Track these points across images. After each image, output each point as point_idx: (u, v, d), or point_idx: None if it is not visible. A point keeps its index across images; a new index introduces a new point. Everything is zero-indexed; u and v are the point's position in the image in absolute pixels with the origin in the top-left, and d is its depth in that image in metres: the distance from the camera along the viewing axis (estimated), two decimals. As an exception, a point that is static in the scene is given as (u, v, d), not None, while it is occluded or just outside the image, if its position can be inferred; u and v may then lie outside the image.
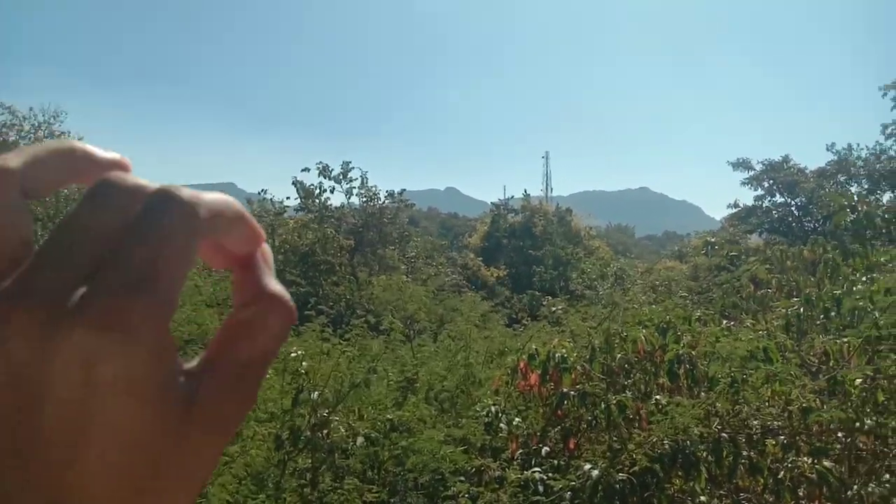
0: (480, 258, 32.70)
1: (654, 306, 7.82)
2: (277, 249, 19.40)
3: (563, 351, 5.81)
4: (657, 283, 16.52)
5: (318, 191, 23.48)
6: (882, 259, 8.08)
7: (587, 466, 4.42)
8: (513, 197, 38.99)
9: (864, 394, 5.06)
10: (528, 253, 32.80)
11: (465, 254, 34.70)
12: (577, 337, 7.04)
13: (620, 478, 4.23)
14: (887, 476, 4.79)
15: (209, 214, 0.32)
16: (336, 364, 5.58)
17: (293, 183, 23.52)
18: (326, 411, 5.46)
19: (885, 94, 28.77)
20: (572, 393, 5.33)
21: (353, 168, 24.11)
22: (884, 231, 11.14)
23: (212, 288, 8.77)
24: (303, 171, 23.61)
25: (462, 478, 4.81)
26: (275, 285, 0.35)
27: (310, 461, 5.34)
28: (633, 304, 9.43)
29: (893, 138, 29.13)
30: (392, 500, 5.14)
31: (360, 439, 5.33)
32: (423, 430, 5.27)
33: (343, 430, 5.40)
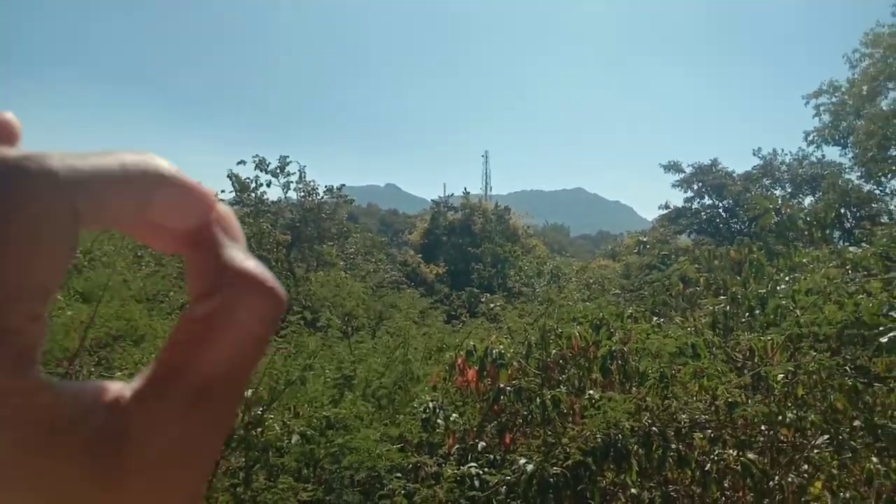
0: (420, 255, 32.73)
1: (588, 304, 7.99)
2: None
3: (501, 347, 5.88)
4: (591, 281, 16.86)
5: (253, 184, 23.01)
6: (804, 260, 8.49)
7: (522, 461, 4.49)
8: (453, 195, 39.18)
9: (786, 389, 5.30)
10: (467, 250, 33.01)
11: (404, 251, 34.66)
12: (514, 333, 7.14)
13: (554, 472, 4.31)
14: (805, 466, 5.04)
15: (95, 180, 0.23)
16: (271, 361, 5.48)
17: (228, 176, 22.98)
18: (261, 409, 5.36)
19: (807, 103, 30.21)
20: (508, 388, 5.40)
21: (291, 162, 23.72)
22: (805, 233, 11.70)
23: (141, 282, 8.47)
24: (238, 164, 23.09)
25: (399, 474, 4.81)
26: (244, 261, 0.27)
27: (243, 460, 5.23)
28: (569, 302, 9.60)
29: (815, 145, 30.62)
30: (328, 498, 5.09)
31: (295, 437, 5.25)
32: (360, 428, 5.23)
33: (278, 428, 5.31)
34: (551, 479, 4.29)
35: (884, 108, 27.13)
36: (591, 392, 4.93)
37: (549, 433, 4.99)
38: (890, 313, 5.99)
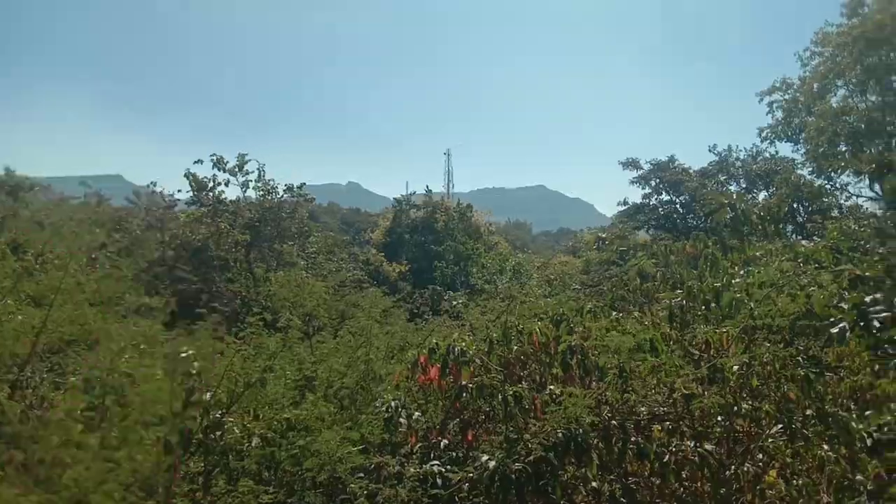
0: (382, 254, 32.58)
1: (549, 299, 8.06)
2: (168, 244, 18.54)
3: (463, 344, 5.88)
4: (552, 277, 17.02)
5: (211, 184, 22.61)
6: (757, 253, 8.69)
7: (484, 458, 4.50)
8: (415, 193, 39.08)
9: (741, 380, 5.42)
10: (429, 248, 32.98)
11: (366, 249, 34.48)
12: (476, 330, 7.15)
13: (516, 467, 4.33)
14: (760, 456, 5.16)
15: None
16: (230, 363, 5.39)
17: (185, 175, 22.53)
18: (220, 412, 5.27)
19: (761, 100, 30.97)
20: (471, 385, 5.41)
21: (250, 160, 23.37)
22: (759, 227, 11.97)
23: (95, 284, 8.21)
24: (195, 163, 22.65)
25: (361, 474, 4.78)
26: None
27: (202, 464, 5.14)
28: (530, 298, 9.67)
29: (768, 141, 31.42)
30: (289, 501, 5.03)
31: (255, 440, 5.18)
32: (321, 429, 5.19)
33: (237, 432, 5.23)
34: (513, 475, 4.31)
35: (833, 104, 27.97)
36: (551, 387, 4.97)
37: (511, 429, 5.02)
38: (840, 305, 6.16)
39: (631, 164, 34.28)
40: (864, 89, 27.41)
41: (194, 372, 5.36)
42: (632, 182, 34.14)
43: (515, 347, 6.13)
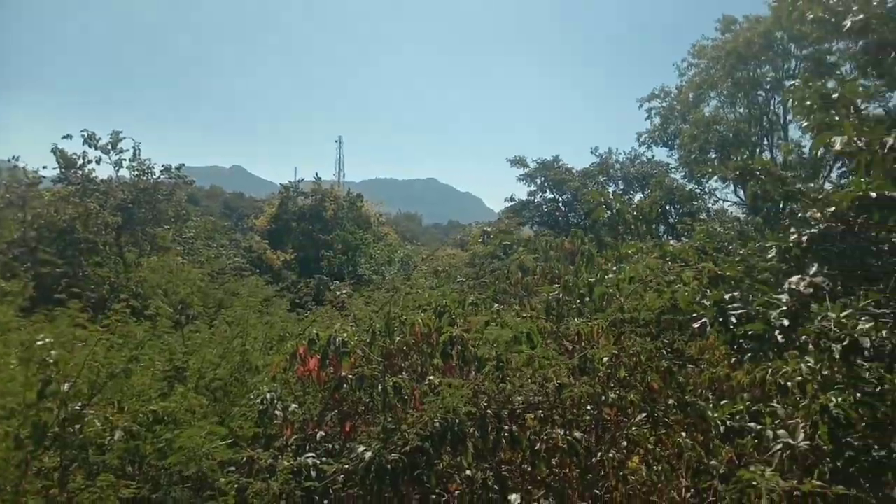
0: (267, 241, 31.64)
1: (434, 291, 8.13)
2: (30, 224, 17.12)
3: (344, 335, 5.82)
4: (439, 268, 17.18)
5: (81, 161, 21.09)
6: (630, 251, 9.16)
7: (361, 448, 4.47)
8: (303, 179, 38.13)
9: (610, 370, 5.69)
10: (317, 237, 32.35)
11: (250, 236, 33.33)
12: (359, 321, 7.09)
13: (393, 458, 4.33)
14: (625, 443, 5.45)
15: None
16: (91, 352, 5.05)
17: (52, 151, 20.89)
18: (79, 404, 4.92)
19: (640, 106, 32.67)
20: (351, 377, 5.36)
21: (125, 138, 21.98)
22: (633, 227, 12.62)
23: None
24: (64, 138, 21.05)
25: (233, 468, 4.62)
26: None
27: (58, 460, 4.78)
28: (416, 290, 9.72)
29: (646, 146, 33.21)
30: (153, 496, 4.78)
31: (118, 433, 4.88)
32: (191, 422, 4.96)
33: (99, 424, 4.91)
34: (389, 466, 4.31)
35: (706, 114, 29.96)
36: (430, 378, 5.01)
37: (390, 420, 5.02)
38: (702, 301, 6.61)
39: (518, 161, 35.13)
40: (733, 101, 29.55)
41: (51, 361, 4.99)
42: (519, 179, 35.02)
43: (398, 338, 6.13)
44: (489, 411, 4.73)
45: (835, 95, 7.04)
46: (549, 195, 34.65)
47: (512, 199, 35.07)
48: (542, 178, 34.46)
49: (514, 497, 4.54)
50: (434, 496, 4.72)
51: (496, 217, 38.81)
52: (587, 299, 7.39)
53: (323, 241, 31.74)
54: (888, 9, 6.60)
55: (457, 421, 4.43)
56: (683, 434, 5.37)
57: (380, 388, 5.10)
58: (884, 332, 6.03)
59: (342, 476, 4.50)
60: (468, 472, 4.59)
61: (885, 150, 6.53)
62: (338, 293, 8.95)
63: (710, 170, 24.63)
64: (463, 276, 13.57)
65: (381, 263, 26.24)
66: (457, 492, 4.70)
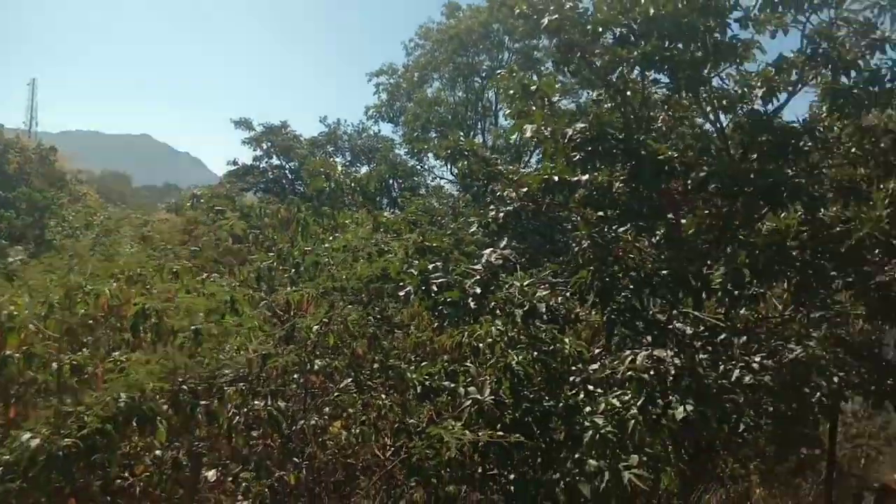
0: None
1: (130, 257, 7.41)
2: None
3: (12, 308, 5.04)
4: (150, 234, 15.78)
5: None
6: (346, 221, 9.31)
7: (26, 436, 3.90)
8: (-16, 125, 32.19)
9: (318, 339, 5.72)
10: (-4, 195, 27.61)
11: None
12: (34, 292, 6.18)
13: (65, 444, 3.85)
14: (327, 409, 5.55)
15: None
16: None
17: None
18: None
19: (370, 81, 33.29)
20: (17, 355, 4.66)
21: None
22: (351, 198, 12.86)
23: None
24: None
25: None
26: None
27: None
28: (115, 256, 8.77)
29: (373, 120, 34.00)
30: None
31: None
32: None
33: None
34: (61, 453, 3.83)
35: (429, 94, 31.57)
36: (115, 354, 4.55)
37: (68, 402, 4.46)
38: (410, 270, 6.97)
39: (243, 123, 33.56)
40: (453, 85, 31.55)
41: None
42: (243, 142, 33.53)
43: (82, 311, 5.46)
44: (184, 387, 4.45)
45: (533, 87, 7.83)
46: (275, 161, 33.78)
47: (235, 163, 33.54)
48: (269, 144, 33.43)
49: (210, 473, 4.35)
50: (119, 481, 4.34)
51: (219, 181, 36.77)
52: (301, 268, 7.35)
53: (3, 199, 27.20)
54: (577, 13, 7.52)
55: (144, 399, 4.08)
56: (384, 396, 5.63)
57: (54, 366, 4.50)
58: (560, 298, 6.97)
59: (1, 469, 3.89)
60: (157, 452, 4.28)
61: (566, 140, 7.46)
62: (9, 260, 7.69)
63: (426, 147, 26.15)
64: (175, 243, 12.63)
65: (76, 227, 23.23)
66: (145, 474, 4.36)
